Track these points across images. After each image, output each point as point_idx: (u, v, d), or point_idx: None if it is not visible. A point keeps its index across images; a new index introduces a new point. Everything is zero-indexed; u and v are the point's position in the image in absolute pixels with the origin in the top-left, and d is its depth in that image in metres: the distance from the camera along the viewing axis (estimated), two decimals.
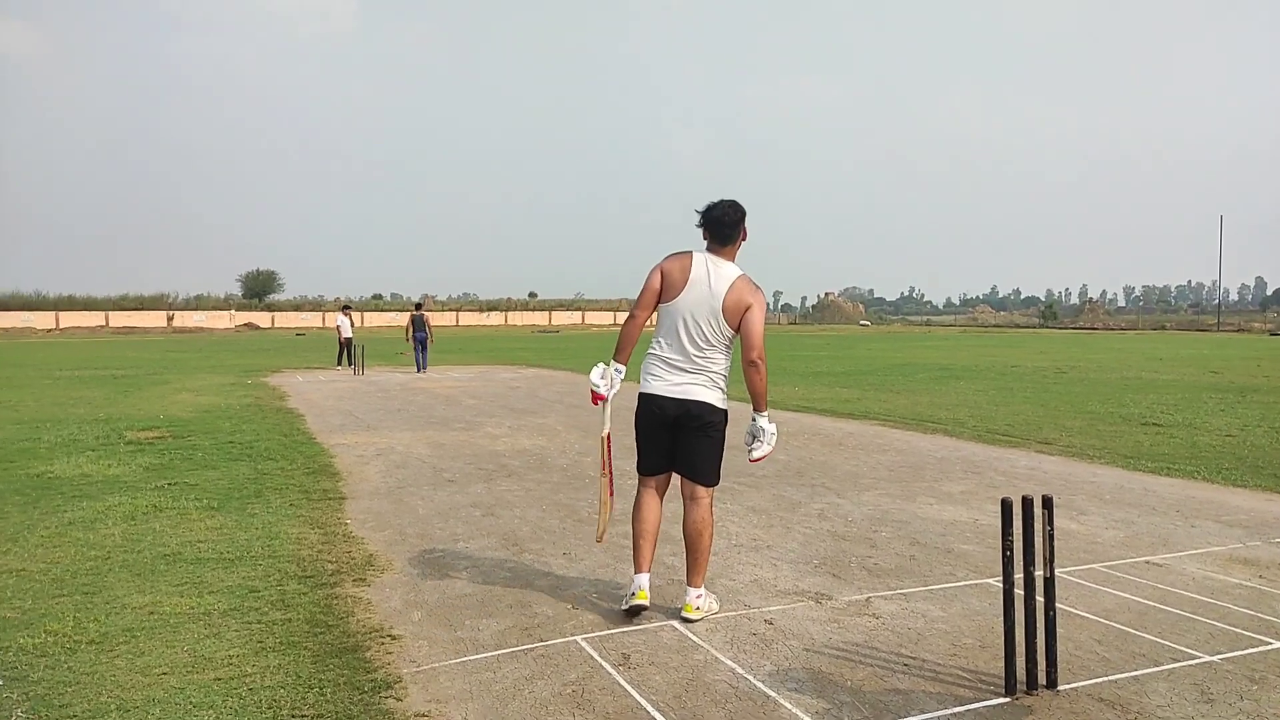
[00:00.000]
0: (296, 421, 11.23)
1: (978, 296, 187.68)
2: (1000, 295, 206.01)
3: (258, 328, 65.50)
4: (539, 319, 76.05)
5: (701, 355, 3.93)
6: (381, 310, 74.85)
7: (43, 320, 61.12)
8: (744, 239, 4.06)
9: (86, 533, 5.44)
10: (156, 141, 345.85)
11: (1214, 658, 3.50)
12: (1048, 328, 61.18)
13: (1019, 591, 3.21)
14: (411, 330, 20.65)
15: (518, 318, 76.60)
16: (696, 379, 3.93)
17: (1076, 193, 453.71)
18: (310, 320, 66.14)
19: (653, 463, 4.07)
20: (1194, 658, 3.51)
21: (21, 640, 3.64)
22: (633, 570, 4.02)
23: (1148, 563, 4.79)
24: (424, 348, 20.57)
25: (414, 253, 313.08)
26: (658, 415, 3.98)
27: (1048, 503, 3.25)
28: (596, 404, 4.08)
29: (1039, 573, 3.24)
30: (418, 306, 22.03)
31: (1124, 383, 16.01)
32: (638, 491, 4.11)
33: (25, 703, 3.09)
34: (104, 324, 62.58)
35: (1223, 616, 3.95)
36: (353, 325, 22.22)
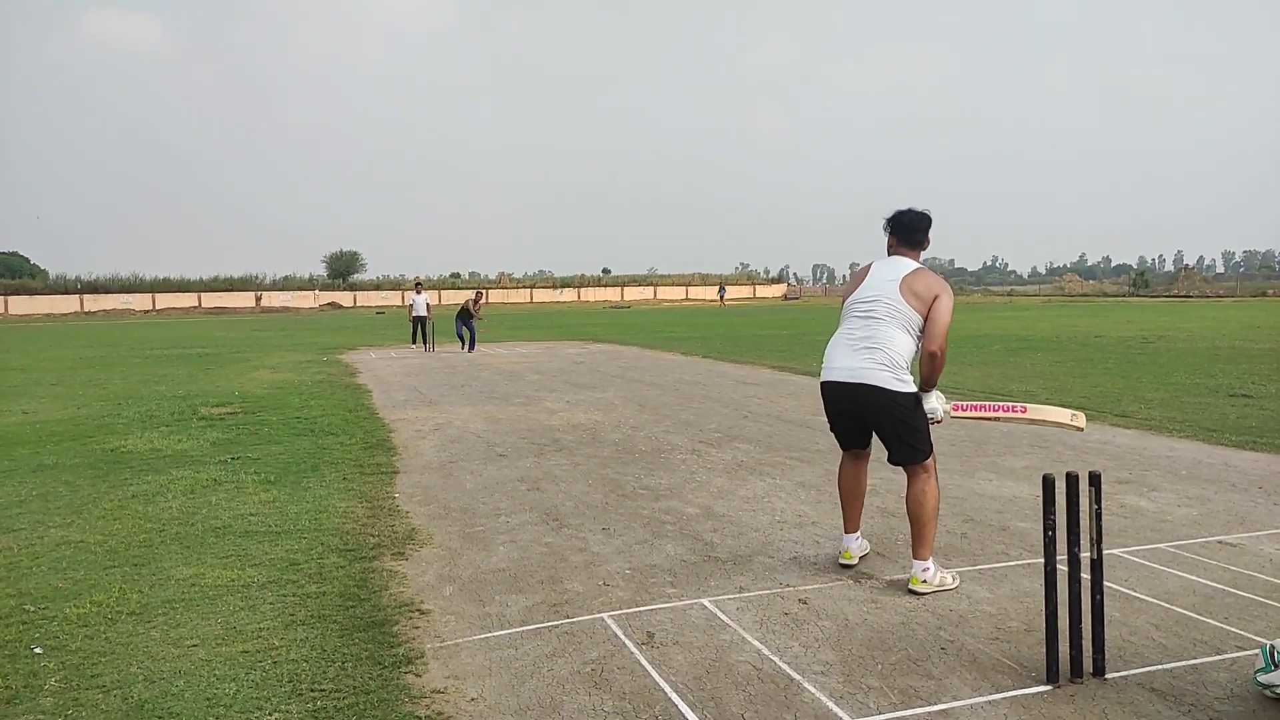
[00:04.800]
0: (363, 397, 11.44)
1: (1065, 265, 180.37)
2: (1090, 263, 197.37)
3: (340, 307, 67.13)
4: (612, 294, 75.98)
5: (873, 331, 3.88)
6: (458, 288, 75.75)
7: (140, 301, 63.59)
8: (927, 246, 4.12)
9: (146, 506, 5.62)
10: (251, 131, 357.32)
11: None
12: (1139, 296, 58.35)
13: (1064, 573, 3.03)
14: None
15: (590, 293, 76.64)
16: (869, 360, 3.87)
17: (1169, 155, 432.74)
18: (391, 299, 67.39)
19: (842, 439, 4.20)
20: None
21: (68, 610, 3.76)
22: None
23: (1220, 542, 4.50)
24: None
25: (491, 232, 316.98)
26: (833, 403, 4.08)
27: (1095, 479, 3.04)
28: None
29: (1085, 555, 3.04)
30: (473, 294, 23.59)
31: (1214, 352, 15.18)
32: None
33: (60, 672, 3.17)
34: (197, 304, 64.87)
35: None
36: (428, 304, 22.14)
